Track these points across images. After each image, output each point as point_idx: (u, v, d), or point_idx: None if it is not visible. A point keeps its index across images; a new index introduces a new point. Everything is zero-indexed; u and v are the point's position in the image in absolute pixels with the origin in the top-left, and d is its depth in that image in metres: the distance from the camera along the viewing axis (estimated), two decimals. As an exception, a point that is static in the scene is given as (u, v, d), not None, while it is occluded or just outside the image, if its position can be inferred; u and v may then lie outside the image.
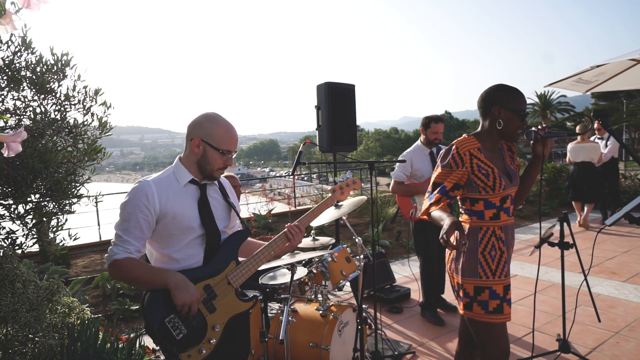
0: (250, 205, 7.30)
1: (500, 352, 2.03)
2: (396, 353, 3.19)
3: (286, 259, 2.70)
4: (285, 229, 1.93)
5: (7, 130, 1.98)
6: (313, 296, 3.15)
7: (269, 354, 2.77)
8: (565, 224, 2.88)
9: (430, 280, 3.94)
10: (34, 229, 2.03)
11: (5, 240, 2.01)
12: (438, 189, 2.05)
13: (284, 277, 2.99)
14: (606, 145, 7.11)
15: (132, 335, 2.30)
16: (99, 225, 7.00)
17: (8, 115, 1.98)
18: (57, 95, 2.05)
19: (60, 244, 2.15)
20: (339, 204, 3.13)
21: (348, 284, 4.25)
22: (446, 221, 1.84)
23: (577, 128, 6.99)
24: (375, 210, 5.91)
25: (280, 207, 8.96)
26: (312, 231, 3.35)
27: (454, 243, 1.86)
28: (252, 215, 6.83)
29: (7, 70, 1.89)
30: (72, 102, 2.09)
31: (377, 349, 3.15)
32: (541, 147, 2.06)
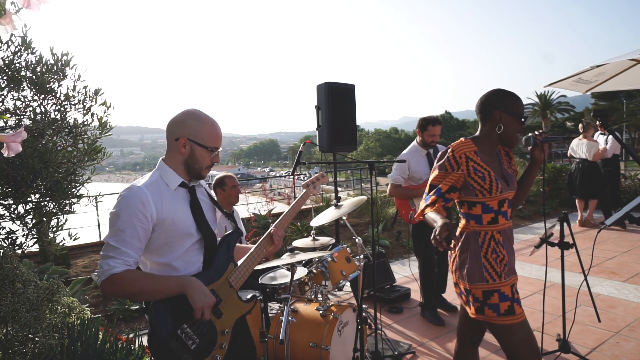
0: (250, 205, 7.30)
1: (528, 353, 2.00)
2: (396, 353, 3.19)
3: (286, 259, 2.69)
4: (272, 230, 1.93)
5: (7, 130, 1.98)
6: (313, 296, 3.15)
7: (269, 354, 2.77)
8: (565, 224, 2.88)
9: (430, 281, 3.93)
10: (34, 229, 2.03)
11: (5, 240, 2.01)
12: (434, 191, 2.05)
13: (284, 277, 2.99)
14: (606, 142, 7.13)
15: (132, 335, 2.30)
16: (99, 225, 7.00)
17: (8, 115, 1.98)
18: (57, 95, 2.05)
19: (60, 244, 2.15)
20: (339, 204, 3.13)
21: (348, 284, 4.25)
22: (439, 222, 1.84)
23: (579, 126, 7.15)
24: (375, 210, 5.91)
25: (280, 207, 8.96)
26: (312, 231, 3.35)
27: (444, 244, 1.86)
28: (252, 215, 6.83)
29: (7, 70, 1.89)
30: (72, 102, 2.09)
31: (377, 349, 3.15)
32: (539, 152, 2.09)
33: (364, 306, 2.90)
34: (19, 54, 1.94)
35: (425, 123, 3.83)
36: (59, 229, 2.09)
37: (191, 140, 1.67)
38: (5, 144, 1.11)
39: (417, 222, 3.87)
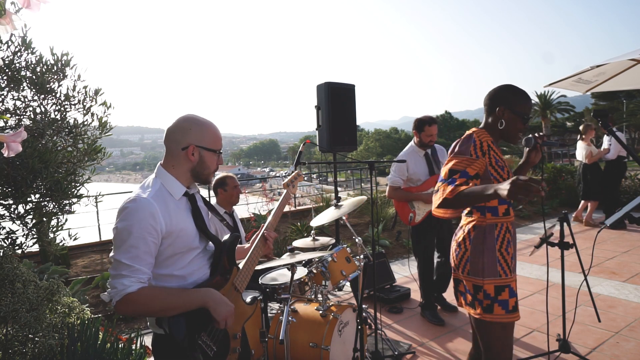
0: (250, 205, 7.30)
1: (509, 352, 2.01)
2: (396, 353, 3.19)
3: (286, 259, 2.70)
4: (264, 233, 1.94)
5: (7, 130, 1.98)
6: (313, 296, 3.15)
7: (269, 354, 2.77)
8: (565, 224, 2.88)
9: (430, 281, 3.93)
10: (34, 229, 2.04)
11: (5, 240, 2.01)
12: (459, 174, 1.91)
13: (284, 277, 2.99)
14: (609, 143, 7.17)
15: (132, 335, 2.30)
16: (99, 225, 7.00)
17: (8, 115, 1.98)
18: (57, 95, 2.05)
19: (60, 244, 2.15)
20: (339, 204, 3.14)
21: (348, 284, 4.25)
22: (503, 184, 1.64)
23: (580, 128, 7.29)
24: (375, 210, 5.91)
25: (280, 207, 8.93)
26: (312, 231, 3.35)
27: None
28: (252, 215, 6.83)
29: (7, 70, 1.89)
30: (72, 102, 2.09)
31: (377, 349, 3.15)
32: (536, 154, 2.11)
33: (364, 306, 2.90)
34: (19, 54, 1.94)
35: (422, 124, 3.80)
36: (59, 229, 2.09)
37: (199, 147, 1.63)
38: (5, 144, 1.11)
39: (417, 223, 3.87)
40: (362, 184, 15.89)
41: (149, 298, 1.46)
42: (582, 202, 7.43)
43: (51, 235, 2.09)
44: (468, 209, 2.08)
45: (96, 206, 6.61)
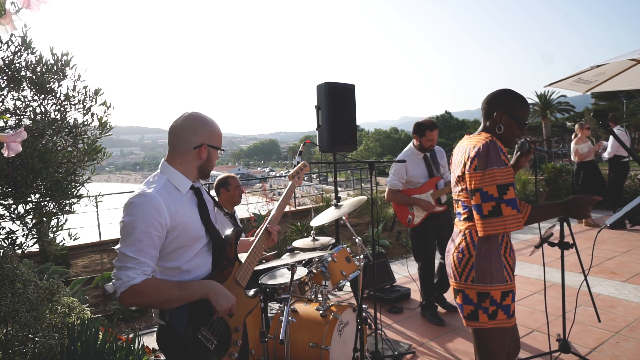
0: (250, 205, 7.30)
1: (505, 356, 2.01)
2: (396, 353, 3.19)
3: (286, 259, 2.70)
4: (267, 226, 1.97)
5: (7, 130, 1.98)
6: (313, 296, 3.15)
7: (269, 354, 2.77)
8: (565, 224, 2.88)
9: (430, 282, 3.93)
10: (34, 229, 2.03)
11: (5, 240, 2.01)
12: (511, 187, 1.85)
13: (284, 277, 2.99)
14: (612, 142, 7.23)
15: (131, 335, 2.30)
16: (99, 225, 7.00)
17: (8, 115, 1.98)
18: (57, 95, 2.05)
19: (60, 244, 2.15)
20: (339, 204, 3.13)
21: (348, 284, 4.25)
22: (568, 204, 1.92)
23: (575, 127, 7.46)
24: (375, 210, 5.91)
25: (280, 207, 8.93)
26: (312, 231, 3.35)
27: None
28: (252, 215, 6.83)
29: (7, 70, 1.89)
30: (72, 102, 2.09)
31: (377, 349, 3.15)
32: (526, 159, 2.11)
33: (364, 306, 2.90)
34: (19, 54, 1.94)
35: (423, 128, 3.73)
36: (59, 229, 2.09)
37: (210, 146, 1.72)
38: (5, 144, 1.11)
39: (415, 225, 3.86)
40: (362, 184, 15.89)
41: (152, 289, 1.52)
42: None
43: (51, 235, 2.09)
44: (467, 214, 2.04)
45: (96, 206, 6.61)
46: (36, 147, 1.85)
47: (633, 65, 4.50)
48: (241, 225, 3.86)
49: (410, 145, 3.93)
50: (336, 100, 3.93)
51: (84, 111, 2.13)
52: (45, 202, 2.02)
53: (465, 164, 1.94)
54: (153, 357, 2.83)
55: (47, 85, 1.99)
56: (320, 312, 2.80)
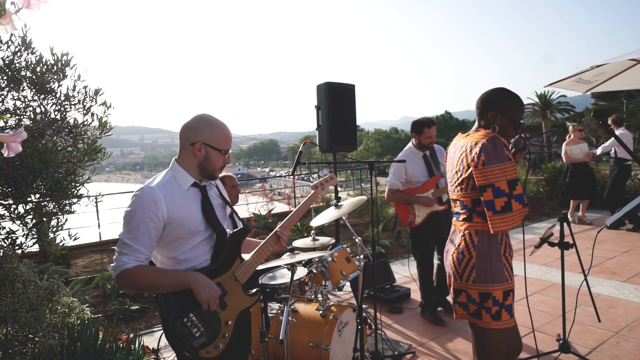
0: (250, 205, 7.30)
1: (502, 355, 2.02)
2: (396, 353, 3.19)
3: (286, 259, 2.70)
4: (277, 230, 2.01)
5: (7, 130, 1.98)
6: (313, 296, 3.15)
7: (269, 354, 2.77)
8: (565, 224, 2.88)
9: (429, 282, 3.93)
10: (34, 229, 2.03)
11: (5, 240, 2.01)
12: (518, 182, 1.85)
13: (284, 277, 2.99)
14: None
15: (132, 335, 2.30)
16: (99, 225, 6.99)
17: (8, 115, 1.97)
18: (57, 95, 2.05)
19: (60, 244, 2.15)
20: (339, 204, 3.13)
21: (348, 284, 4.25)
22: None
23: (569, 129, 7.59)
24: (375, 210, 5.91)
25: (280, 207, 8.96)
26: (312, 231, 3.35)
27: None
28: (252, 215, 6.83)
29: (7, 70, 1.89)
30: (72, 102, 2.09)
31: (377, 349, 3.15)
32: (521, 155, 2.09)
33: (364, 306, 2.90)
34: (19, 54, 1.93)
35: (421, 125, 3.74)
36: (59, 229, 2.09)
37: (206, 145, 1.78)
38: (5, 144, 1.11)
39: (417, 225, 3.86)
40: (362, 184, 15.88)
41: (142, 275, 1.66)
42: (572, 202, 7.55)
43: (51, 235, 2.09)
44: (466, 214, 2.02)
45: (96, 206, 6.61)
46: (36, 147, 1.85)
47: (633, 65, 4.50)
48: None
49: (410, 144, 3.93)
50: (336, 100, 3.93)
51: (84, 111, 2.13)
52: (45, 202, 2.02)
53: (467, 162, 1.93)
54: (153, 357, 2.83)
55: (47, 85, 1.99)
56: (320, 312, 2.80)
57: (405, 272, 5.32)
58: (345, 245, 3.28)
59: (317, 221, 3.15)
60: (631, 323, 3.61)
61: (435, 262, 4.01)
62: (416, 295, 4.48)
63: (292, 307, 2.92)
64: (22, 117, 2.02)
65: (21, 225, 2.00)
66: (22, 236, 2.02)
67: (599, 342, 3.31)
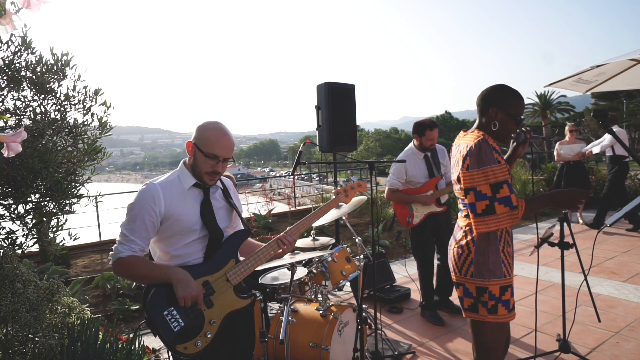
0: (250, 205, 7.30)
1: (501, 350, 2.03)
2: (396, 353, 3.19)
3: (286, 259, 2.70)
4: (280, 235, 1.98)
5: (7, 130, 1.98)
6: (313, 296, 3.15)
7: (269, 354, 2.77)
8: (565, 224, 2.88)
9: (429, 282, 3.93)
10: (34, 229, 2.03)
11: (5, 240, 2.01)
12: (508, 187, 1.86)
13: (284, 277, 2.99)
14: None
15: (132, 335, 2.30)
16: (99, 225, 6.99)
17: (8, 115, 1.98)
18: (57, 95, 2.05)
19: (60, 244, 2.15)
20: (338, 204, 3.14)
21: (348, 284, 4.25)
22: (553, 194, 1.94)
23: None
24: (375, 210, 5.91)
25: (280, 207, 8.96)
26: (312, 231, 3.35)
27: None
28: (252, 215, 6.83)
29: (7, 70, 1.89)
30: (72, 102, 2.09)
31: (377, 349, 3.15)
32: (523, 148, 2.10)
33: (364, 306, 2.90)
34: (19, 54, 1.94)
35: (423, 127, 3.72)
36: (59, 229, 2.09)
37: (194, 144, 1.82)
38: (5, 144, 1.11)
39: (414, 225, 3.86)
40: (362, 184, 15.84)
41: (133, 265, 1.74)
42: None
43: (51, 235, 2.09)
44: (467, 210, 2.05)
45: (96, 206, 6.61)
46: (36, 147, 1.85)
47: (633, 65, 4.51)
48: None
49: (411, 145, 3.92)
50: (336, 100, 3.93)
51: (84, 111, 2.13)
52: (45, 202, 2.02)
53: (460, 164, 1.98)
54: (153, 357, 2.83)
55: (47, 85, 1.99)
56: (320, 312, 2.80)
57: (405, 272, 5.32)
58: (345, 245, 3.28)
59: (316, 221, 3.15)
60: (631, 323, 3.61)
61: (436, 262, 4.01)
62: (416, 295, 4.48)
63: (292, 307, 2.92)
64: (22, 117, 2.02)
65: (21, 225, 2.00)
66: (22, 236, 2.02)
67: (599, 342, 3.31)
